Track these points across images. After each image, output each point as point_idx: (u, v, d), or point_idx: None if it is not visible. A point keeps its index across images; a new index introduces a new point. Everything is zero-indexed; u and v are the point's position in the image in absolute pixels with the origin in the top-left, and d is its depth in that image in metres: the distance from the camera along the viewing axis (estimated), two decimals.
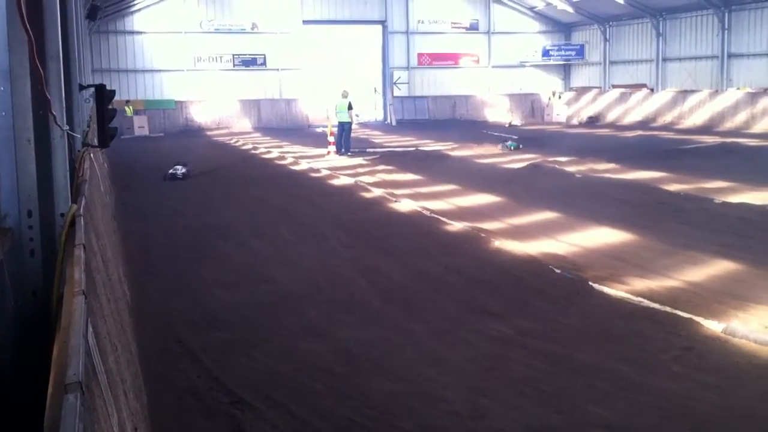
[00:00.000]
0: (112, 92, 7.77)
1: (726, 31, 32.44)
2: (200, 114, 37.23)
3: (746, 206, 12.26)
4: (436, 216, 12.17)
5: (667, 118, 34.78)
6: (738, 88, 31.94)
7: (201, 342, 6.58)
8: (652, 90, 36.84)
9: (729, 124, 30.94)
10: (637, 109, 37.10)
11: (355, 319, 7.26)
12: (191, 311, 7.54)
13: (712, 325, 6.37)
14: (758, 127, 29.38)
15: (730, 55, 32.54)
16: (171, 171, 17.92)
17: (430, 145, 25.84)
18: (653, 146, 24.04)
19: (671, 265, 8.88)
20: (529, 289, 8.04)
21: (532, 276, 8.51)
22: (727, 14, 32.28)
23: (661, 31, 36.32)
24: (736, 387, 5.37)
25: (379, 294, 8.05)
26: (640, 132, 30.83)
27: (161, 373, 5.82)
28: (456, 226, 11.32)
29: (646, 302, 7.20)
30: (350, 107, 23.56)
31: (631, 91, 37.85)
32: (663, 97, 35.88)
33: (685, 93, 34.51)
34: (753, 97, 30.67)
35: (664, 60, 36.43)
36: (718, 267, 8.72)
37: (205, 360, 6.14)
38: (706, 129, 30.81)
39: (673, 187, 14.71)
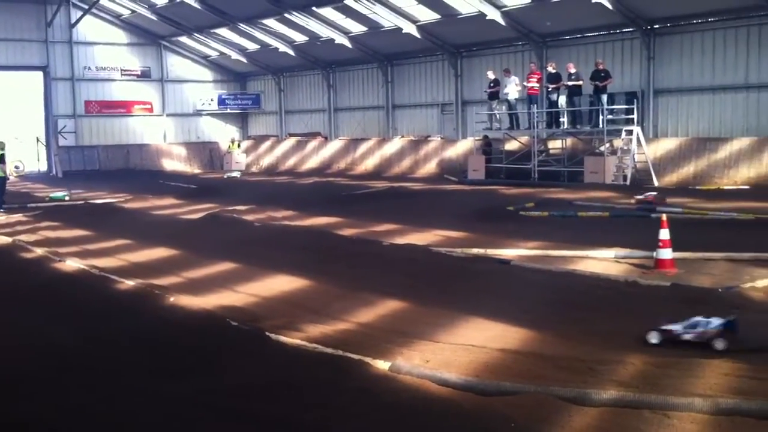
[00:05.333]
0: None
1: (390, 84, 35.12)
2: None
3: (411, 247, 13.14)
4: (105, 274, 11.40)
5: (341, 164, 36.63)
6: (402, 136, 34.65)
7: None
8: (326, 138, 38.61)
9: (396, 170, 33.38)
10: (313, 157, 38.62)
11: None
12: None
13: (380, 365, 6.59)
14: (421, 172, 32.05)
15: (395, 106, 35.24)
16: None
17: (102, 198, 24.49)
18: (329, 192, 25.06)
19: (344, 308, 9.14)
20: (207, 345, 7.75)
21: (210, 331, 8.23)
22: (390, 68, 34.98)
23: (331, 83, 38.30)
24: (405, 422, 5.55)
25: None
26: (316, 178, 32.03)
27: None
28: (128, 283, 10.68)
29: (321, 348, 7.27)
30: (2, 160, 21.61)
31: (307, 140, 39.35)
32: (336, 144, 37.76)
33: (356, 141, 36.65)
34: (416, 144, 33.45)
35: (336, 110, 38.43)
36: (387, 307, 9.15)
37: None
38: (376, 174, 32.92)
39: (347, 232, 15.36)
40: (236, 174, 35.43)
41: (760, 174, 21.91)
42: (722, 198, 19.03)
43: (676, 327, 7.20)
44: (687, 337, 7.09)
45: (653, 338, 7.21)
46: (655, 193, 19.11)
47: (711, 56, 23.65)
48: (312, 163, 38.33)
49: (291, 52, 36.87)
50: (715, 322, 7.06)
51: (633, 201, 18.40)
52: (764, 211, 15.78)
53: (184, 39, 40.61)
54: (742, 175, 22.28)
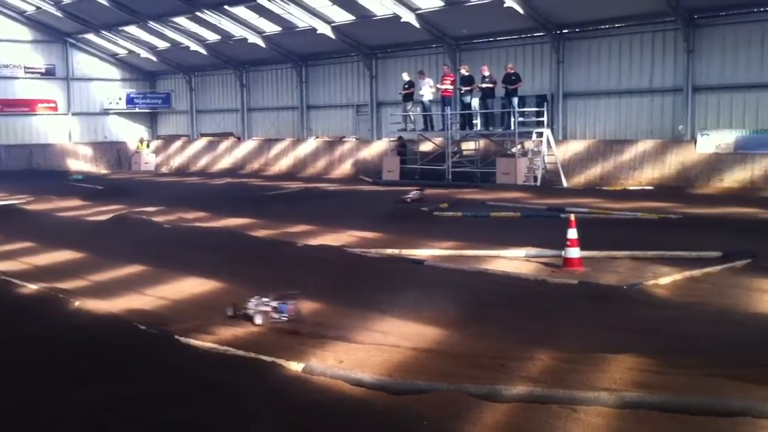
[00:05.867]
0: None
1: (304, 84, 34.94)
2: None
3: (326, 248, 13.10)
4: (6, 278, 10.92)
5: (255, 165, 36.26)
6: (317, 137, 34.52)
7: None
8: (239, 138, 38.14)
9: (311, 170, 33.24)
10: (225, 157, 38.11)
11: None
12: None
13: (294, 366, 6.52)
14: (336, 173, 32.01)
15: (309, 107, 35.08)
16: None
17: (3, 199, 23.52)
18: (242, 193, 24.75)
19: None
20: (115, 350, 7.51)
21: (118, 335, 7.99)
22: (304, 68, 34.79)
23: (245, 82, 37.85)
24: (320, 422, 5.50)
25: None
26: (229, 179, 31.61)
27: None
28: (31, 287, 10.27)
29: (233, 350, 7.15)
30: None
31: (220, 140, 38.79)
32: (250, 145, 37.35)
33: (270, 141, 36.32)
34: (331, 145, 33.38)
35: (250, 110, 38.00)
36: (301, 308, 9.06)
37: None
38: (290, 175, 32.72)
39: (261, 233, 15.19)
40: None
41: (663, 175, 22.75)
42: (628, 198, 19.67)
43: (251, 303, 8.41)
44: (250, 312, 8.33)
45: (228, 311, 8.52)
46: (419, 190, 20.78)
47: (617, 61, 24.43)
48: (224, 163, 37.81)
49: (203, 51, 36.24)
50: (273, 303, 8.43)
51: (405, 199, 19.96)
52: (667, 210, 16.39)
53: (91, 36, 39.40)
54: (647, 176, 23.09)
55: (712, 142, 22.05)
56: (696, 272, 10.06)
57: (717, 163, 21.89)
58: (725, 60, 22.12)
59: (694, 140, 22.48)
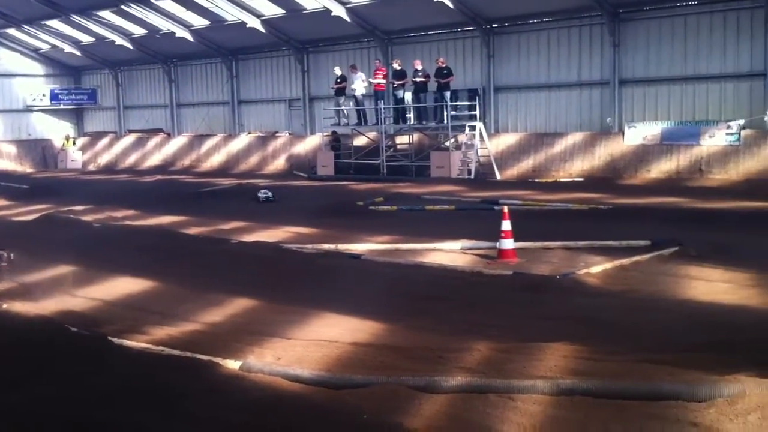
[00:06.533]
0: None
1: (235, 79, 34.52)
2: None
3: (261, 244, 12.98)
4: None
5: (186, 161, 35.70)
6: (249, 132, 34.16)
7: None
8: (169, 134, 37.49)
9: (244, 166, 32.88)
10: (155, 154, 37.42)
11: None
12: None
13: (231, 364, 6.44)
14: (269, 168, 31.74)
15: (241, 102, 34.69)
16: None
17: None
18: (173, 190, 24.33)
19: (192, 308, 8.88)
20: (45, 353, 7.28)
21: (47, 338, 7.75)
22: (234, 63, 34.37)
23: (173, 77, 37.21)
24: (258, 420, 5.44)
25: None
26: (159, 176, 31.03)
27: None
28: None
29: (168, 350, 7.02)
30: None
31: (149, 136, 38.06)
32: (180, 141, 36.75)
33: (201, 137, 35.78)
34: (264, 141, 33.07)
35: (179, 105, 37.39)
36: (237, 306, 8.97)
37: None
38: (222, 171, 32.31)
39: (193, 230, 14.97)
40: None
41: (592, 166, 23.25)
42: (559, 190, 20.04)
43: None
44: None
45: None
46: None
47: (546, 55, 24.84)
48: (154, 160, 37.11)
49: (129, 46, 35.45)
50: None
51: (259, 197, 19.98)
52: (597, 201, 16.75)
53: (12, 31, 38.08)
54: (577, 167, 23.56)
55: (639, 134, 22.63)
56: (625, 261, 10.30)
57: (644, 155, 22.48)
58: (650, 53, 22.72)
59: (621, 132, 23.04)
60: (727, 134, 20.92)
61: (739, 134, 20.69)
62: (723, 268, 9.87)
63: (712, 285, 9.14)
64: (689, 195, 17.84)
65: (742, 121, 20.78)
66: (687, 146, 21.65)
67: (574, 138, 23.94)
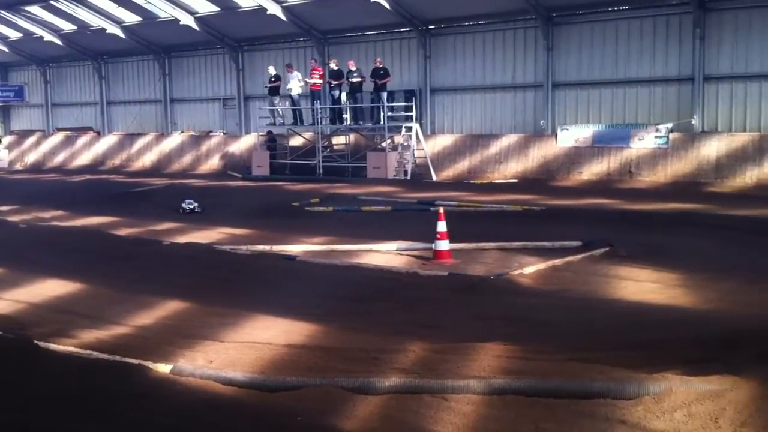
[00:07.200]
0: None
1: (168, 77, 33.93)
2: None
3: (194, 246, 12.78)
4: None
5: (117, 161, 34.96)
6: (183, 132, 33.62)
7: None
8: (99, 133, 36.67)
9: (177, 166, 32.33)
10: (84, 153, 36.56)
11: None
12: None
13: (161, 368, 6.31)
14: (203, 168, 31.30)
15: (174, 100, 34.11)
16: None
17: None
18: (103, 190, 23.79)
19: (122, 311, 8.68)
20: None
21: None
22: (167, 60, 33.78)
23: (104, 74, 36.42)
24: (190, 424, 5.35)
25: None
26: (89, 176, 30.27)
27: None
28: None
29: (96, 354, 6.85)
30: None
31: (78, 135, 37.14)
32: (110, 140, 35.97)
33: (132, 136, 35.07)
34: (197, 140, 32.58)
35: (110, 103, 36.61)
36: (168, 308, 8.80)
37: None
38: (155, 171, 31.71)
39: (124, 231, 14.66)
40: None
41: (527, 168, 23.59)
42: (494, 191, 20.25)
43: None
44: None
45: None
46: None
47: (482, 57, 25.10)
48: (84, 159, 36.23)
49: (58, 42, 34.52)
50: None
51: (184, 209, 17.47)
52: (531, 203, 16.99)
53: None
54: (512, 169, 23.87)
55: (572, 136, 23.06)
56: (558, 261, 10.48)
57: (576, 157, 22.91)
58: (582, 57, 23.17)
59: (554, 134, 23.43)
60: (655, 137, 21.49)
61: (668, 137, 21.27)
62: (651, 268, 10.13)
63: (641, 285, 9.36)
64: (619, 197, 18.25)
65: (670, 125, 21.37)
66: (617, 149, 22.15)
67: (509, 140, 24.25)
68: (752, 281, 9.35)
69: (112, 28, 31.70)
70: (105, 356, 6.76)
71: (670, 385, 5.12)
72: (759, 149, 19.92)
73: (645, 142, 21.65)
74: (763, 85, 20.33)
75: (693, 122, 21.16)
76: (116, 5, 30.20)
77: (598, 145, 22.56)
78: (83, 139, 36.91)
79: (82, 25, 32.60)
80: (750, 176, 19.91)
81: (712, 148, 20.59)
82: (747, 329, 6.86)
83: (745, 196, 18.14)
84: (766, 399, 4.98)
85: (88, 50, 35.50)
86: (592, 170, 22.51)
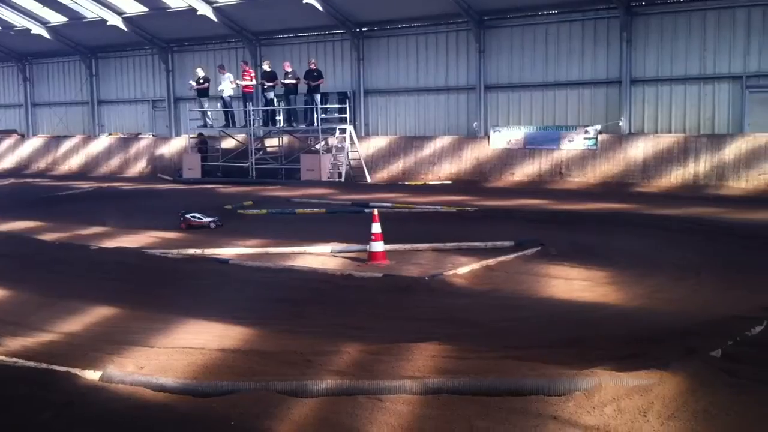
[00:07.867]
0: None
1: (95, 78, 33.16)
2: None
3: (122, 250, 12.50)
4: None
5: (41, 164, 34.06)
6: (110, 134, 32.88)
7: None
8: (22, 136, 35.63)
9: (104, 169, 31.65)
10: (8, 156, 35.58)
11: None
12: None
13: (90, 375, 6.14)
14: (132, 171, 30.69)
15: (101, 101, 33.35)
16: None
17: None
18: (27, 194, 23.12)
19: (49, 318, 8.42)
20: None
21: None
22: (94, 61, 33.01)
23: (28, 76, 35.40)
24: None
25: None
26: (12, 180, 29.42)
27: None
28: None
29: (22, 362, 6.63)
30: None
31: (0, 138, 36.04)
32: (35, 143, 35.05)
33: (58, 138, 34.18)
34: (126, 142, 31.93)
35: (34, 105, 35.61)
36: (96, 314, 8.57)
37: None
38: (81, 174, 31.03)
39: (49, 236, 14.25)
40: None
41: (460, 170, 23.82)
42: (428, 192, 20.40)
43: None
44: None
45: None
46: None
47: (415, 59, 25.24)
48: (7, 163, 35.23)
49: None
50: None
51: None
52: (465, 204, 17.16)
53: None
54: (445, 171, 24.07)
55: (504, 138, 23.38)
56: (491, 261, 10.60)
57: (508, 158, 23.23)
58: (513, 60, 23.51)
59: (487, 136, 23.71)
60: (585, 139, 21.96)
61: (596, 139, 21.75)
62: (581, 267, 10.33)
63: (572, 283, 9.54)
64: (550, 197, 18.58)
65: (598, 126, 21.85)
66: (548, 150, 22.55)
67: (443, 141, 24.45)
68: (679, 278, 9.64)
69: (36, 29, 30.85)
70: (31, 364, 6.54)
71: (600, 380, 5.21)
72: (684, 150, 20.54)
73: (574, 144, 22.10)
74: (688, 87, 20.96)
75: (621, 124, 21.68)
76: (41, 5, 29.38)
77: (530, 147, 22.93)
78: (6, 142, 35.87)
79: (6, 26, 31.59)
80: (675, 176, 20.52)
81: (639, 150, 21.15)
82: (674, 325, 7.05)
83: (671, 196, 18.69)
84: (692, 393, 5.12)
85: (11, 51, 34.49)
86: (524, 171, 22.86)
